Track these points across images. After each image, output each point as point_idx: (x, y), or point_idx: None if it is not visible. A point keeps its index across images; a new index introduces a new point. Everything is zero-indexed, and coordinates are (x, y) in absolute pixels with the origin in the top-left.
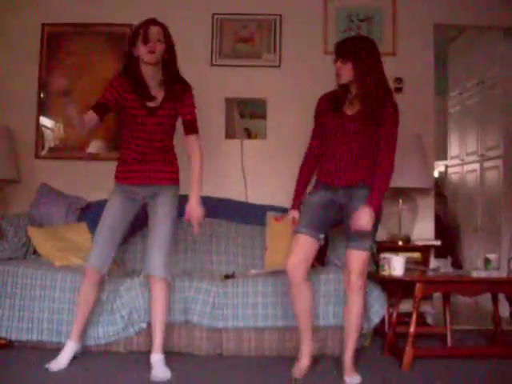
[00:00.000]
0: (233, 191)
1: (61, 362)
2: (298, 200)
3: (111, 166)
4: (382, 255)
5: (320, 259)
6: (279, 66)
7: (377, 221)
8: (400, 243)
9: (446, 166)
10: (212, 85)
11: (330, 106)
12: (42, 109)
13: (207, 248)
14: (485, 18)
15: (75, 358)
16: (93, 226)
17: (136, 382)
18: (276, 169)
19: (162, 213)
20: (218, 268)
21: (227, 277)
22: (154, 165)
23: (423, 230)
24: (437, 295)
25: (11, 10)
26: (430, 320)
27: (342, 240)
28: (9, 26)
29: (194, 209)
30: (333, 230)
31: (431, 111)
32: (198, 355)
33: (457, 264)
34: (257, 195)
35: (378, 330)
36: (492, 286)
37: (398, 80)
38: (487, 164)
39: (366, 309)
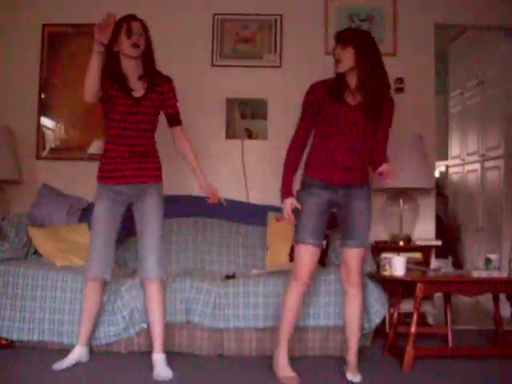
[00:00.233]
0: (234, 191)
1: (65, 364)
2: (291, 185)
3: None
4: (383, 255)
5: (321, 260)
6: (280, 66)
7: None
8: (401, 243)
9: (447, 166)
10: (213, 85)
11: (328, 94)
12: (43, 109)
13: (208, 248)
14: (485, 18)
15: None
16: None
17: (137, 382)
18: (277, 169)
19: (151, 213)
20: (219, 268)
21: (228, 277)
22: (139, 162)
23: (424, 230)
24: (438, 295)
25: (12, 10)
26: (430, 320)
27: (339, 239)
28: (9, 26)
29: (211, 187)
30: (332, 231)
31: (432, 111)
32: (199, 355)
33: (458, 264)
34: (258, 195)
35: (379, 330)
36: (493, 286)
37: (399, 80)
38: (488, 164)
39: (365, 308)
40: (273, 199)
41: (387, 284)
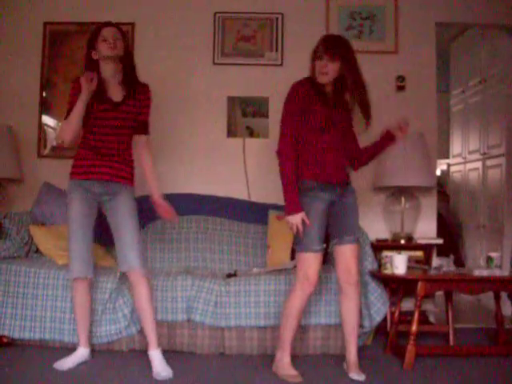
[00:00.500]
0: (235, 190)
1: (67, 363)
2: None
3: None
4: (385, 253)
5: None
6: (281, 64)
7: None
8: (402, 242)
9: (449, 165)
10: (214, 83)
11: (317, 95)
12: (45, 108)
13: (209, 247)
14: (487, 16)
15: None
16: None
17: (138, 380)
18: (278, 167)
19: (127, 209)
20: (220, 267)
21: (229, 275)
22: (113, 163)
23: (425, 229)
24: (439, 293)
25: (13, 9)
26: (432, 318)
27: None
28: (11, 24)
29: (164, 203)
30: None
31: (433, 109)
32: (201, 354)
33: (459, 262)
34: (259, 194)
35: (380, 329)
36: (494, 284)
37: (400, 78)
38: (490, 162)
39: (366, 306)
40: (274, 198)
41: (388, 282)
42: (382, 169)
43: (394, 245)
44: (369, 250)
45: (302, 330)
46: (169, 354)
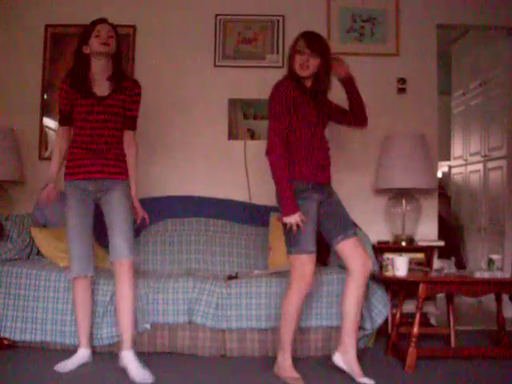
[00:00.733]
0: (236, 192)
1: (68, 365)
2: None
3: None
4: (386, 256)
5: (322, 259)
6: (282, 66)
7: None
8: (403, 244)
9: (450, 167)
10: (215, 86)
11: (300, 93)
12: (46, 110)
13: (211, 249)
14: (488, 18)
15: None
16: (96, 227)
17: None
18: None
19: (120, 203)
20: (221, 269)
21: (230, 277)
22: (104, 159)
23: (427, 231)
24: (440, 296)
25: (15, 11)
26: (433, 321)
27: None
28: (12, 27)
29: (138, 206)
30: None
31: (434, 112)
32: (202, 356)
33: (460, 264)
34: (260, 196)
35: (382, 331)
36: (496, 286)
37: (402, 80)
38: (491, 164)
39: (367, 308)
40: (275, 200)
41: (390, 284)
42: (383, 171)
43: (395, 247)
44: (370, 252)
45: (300, 331)
46: (170, 356)
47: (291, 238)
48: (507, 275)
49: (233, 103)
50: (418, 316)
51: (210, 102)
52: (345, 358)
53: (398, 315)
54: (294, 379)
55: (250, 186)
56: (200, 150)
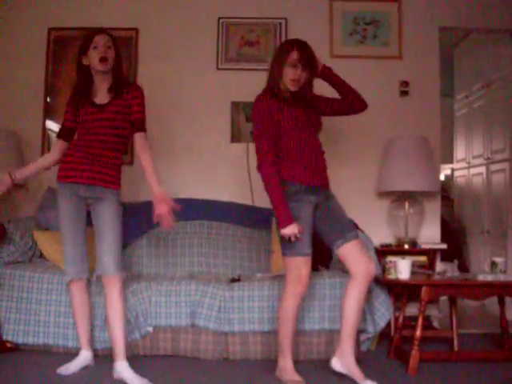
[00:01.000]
0: (239, 195)
1: (71, 368)
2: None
3: None
4: (389, 259)
5: (324, 262)
6: None
7: None
8: (406, 247)
9: (453, 169)
10: (217, 88)
11: (281, 103)
12: (48, 113)
13: (213, 252)
14: (490, 21)
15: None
16: None
17: None
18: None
19: (108, 214)
20: (224, 272)
21: (233, 280)
22: (98, 166)
23: (429, 234)
24: (443, 299)
25: (18, 14)
26: (436, 324)
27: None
28: (15, 30)
29: (165, 197)
30: None
31: (437, 114)
32: (204, 359)
33: (463, 267)
34: (263, 199)
35: (384, 334)
36: (499, 289)
37: (404, 83)
38: (493, 167)
39: (370, 311)
40: None
41: (392, 287)
42: (385, 174)
43: (397, 250)
44: (373, 255)
45: (303, 334)
46: (173, 360)
47: (286, 241)
48: (510, 278)
49: (235, 106)
50: (420, 319)
51: (212, 105)
52: (343, 362)
53: (400, 318)
54: (296, 382)
55: (252, 188)
56: (203, 153)
